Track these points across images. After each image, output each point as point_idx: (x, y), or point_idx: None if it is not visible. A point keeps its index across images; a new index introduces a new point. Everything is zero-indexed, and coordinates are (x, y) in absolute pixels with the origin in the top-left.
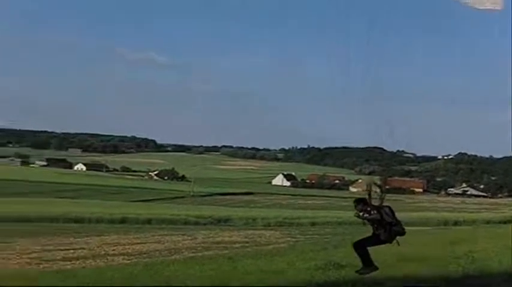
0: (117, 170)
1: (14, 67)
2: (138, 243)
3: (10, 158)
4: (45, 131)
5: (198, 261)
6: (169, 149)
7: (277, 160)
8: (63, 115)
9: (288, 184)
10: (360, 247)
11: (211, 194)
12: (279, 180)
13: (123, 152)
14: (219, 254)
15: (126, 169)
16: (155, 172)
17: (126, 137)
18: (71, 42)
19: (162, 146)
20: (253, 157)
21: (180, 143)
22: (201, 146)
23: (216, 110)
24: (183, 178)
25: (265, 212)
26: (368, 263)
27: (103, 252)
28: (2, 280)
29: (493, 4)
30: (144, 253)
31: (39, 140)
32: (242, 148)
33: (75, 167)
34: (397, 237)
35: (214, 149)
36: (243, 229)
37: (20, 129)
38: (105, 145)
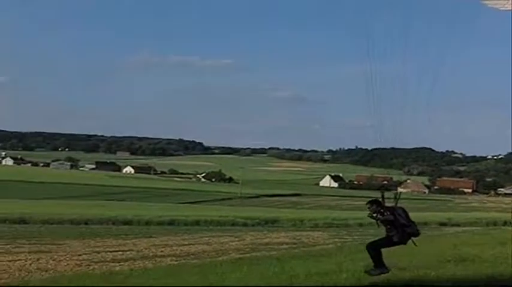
0: (164, 173)
1: (64, 72)
2: (186, 244)
3: (60, 162)
4: (95, 135)
5: (246, 262)
6: (216, 151)
7: (325, 161)
8: (113, 119)
9: (335, 185)
10: (373, 248)
11: (258, 196)
12: (327, 181)
13: (171, 155)
14: (266, 255)
15: (173, 172)
16: (203, 174)
17: (173, 139)
18: (125, 46)
19: (209, 148)
20: (300, 159)
21: (227, 145)
22: (248, 148)
23: (264, 113)
24: (230, 179)
25: (312, 213)
26: (380, 264)
27: (151, 253)
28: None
29: None
30: (192, 254)
31: (90, 143)
32: (289, 149)
33: (124, 170)
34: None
35: (262, 151)
36: (291, 230)
37: (71, 133)
38: (153, 147)
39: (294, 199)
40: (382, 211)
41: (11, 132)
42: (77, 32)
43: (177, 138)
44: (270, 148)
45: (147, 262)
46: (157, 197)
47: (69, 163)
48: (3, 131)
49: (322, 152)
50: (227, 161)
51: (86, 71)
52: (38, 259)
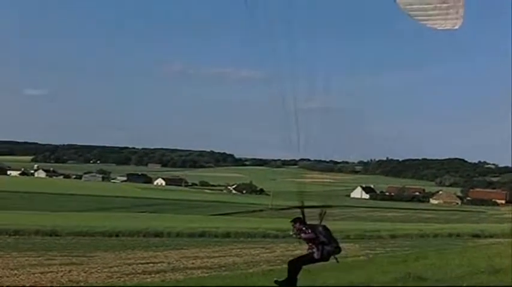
0: (195, 185)
1: (96, 85)
2: (216, 256)
3: (91, 174)
4: (127, 147)
5: (277, 274)
6: (247, 163)
7: (356, 172)
8: (144, 131)
9: (366, 196)
10: (294, 263)
11: (289, 207)
12: (358, 192)
13: (202, 167)
14: None
15: (204, 183)
16: (233, 186)
17: (204, 151)
18: (155, 60)
19: (240, 160)
20: (331, 170)
21: (258, 157)
22: (279, 159)
23: (295, 124)
24: (261, 191)
25: (343, 224)
26: (291, 281)
27: (182, 265)
28: None
29: (453, 24)
30: (223, 266)
31: (121, 156)
32: (320, 161)
33: (155, 182)
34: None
35: (292, 162)
36: None
37: (102, 146)
38: (184, 159)
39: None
40: (304, 229)
41: (44, 145)
42: (109, 45)
43: (208, 150)
44: (300, 159)
45: (178, 274)
46: (188, 209)
47: (100, 175)
48: (36, 143)
49: (353, 163)
50: (258, 173)
51: (119, 83)
52: (69, 271)
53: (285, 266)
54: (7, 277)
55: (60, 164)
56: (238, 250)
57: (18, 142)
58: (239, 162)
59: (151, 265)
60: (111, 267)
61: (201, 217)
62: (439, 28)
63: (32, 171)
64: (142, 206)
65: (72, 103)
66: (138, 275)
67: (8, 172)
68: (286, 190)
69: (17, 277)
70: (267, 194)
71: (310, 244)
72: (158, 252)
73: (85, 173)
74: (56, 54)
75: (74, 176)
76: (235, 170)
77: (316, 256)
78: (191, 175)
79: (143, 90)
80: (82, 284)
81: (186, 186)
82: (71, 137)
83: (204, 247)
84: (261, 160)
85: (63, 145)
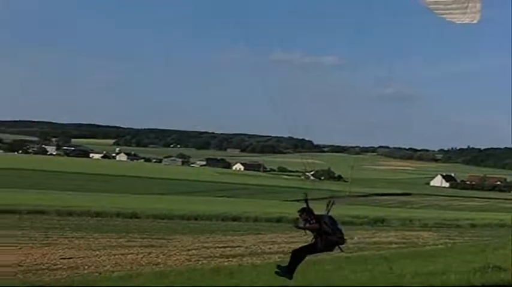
0: (273, 170)
1: (176, 71)
2: (294, 242)
3: (171, 158)
4: (206, 132)
5: (353, 261)
6: (325, 149)
7: (436, 160)
8: (223, 117)
9: (446, 185)
10: (297, 253)
11: (367, 195)
12: (438, 181)
13: (280, 153)
14: (374, 254)
15: (282, 169)
16: (312, 172)
17: (283, 137)
18: (232, 47)
19: (318, 146)
20: (410, 158)
21: (336, 143)
22: (358, 146)
23: (372, 111)
24: (339, 178)
25: (422, 213)
26: (290, 269)
27: (259, 250)
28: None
29: (471, 18)
30: None
31: (201, 140)
32: (399, 148)
33: (234, 167)
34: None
35: (371, 149)
36: (400, 230)
37: (182, 131)
38: (262, 145)
39: (403, 198)
40: (309, 219)
41: (125, 129)
42: (186, 32)
43: (287, 136)
44: (379, 147)
45: (255, 259)
46: (266, 194)
47: (180, 159)
48: (118, 127)
49: (434, 151)
50: (336, 159)
51: (198, 69)
52: (149, 253)
53: (361, 252)
54: (89, 257)
55: (141, 148)
56: None
57: (100, 126)
58: (317, 148)
59: (228, 249)
60: (189, 250)
61: (278, 202)
62: (457, 22)
63: (114, 154)
64: (220, 191)
65: (150, 89)
66: (215, 258)
67: (91, 155)
68: (364, 177)
69: (99, 258)
70: (345, 181)
71: (314, 234)
72: (236, 236)
73: (165, 157)
74: (133, 40)
75: (154, 160)
76: (313, 156)
77: (319, 245)
78: (269, 160)
79: (220, 76)
80: (161, 266)
81: (264, 171)
82: (152, 121)
83: (281, 232)
84: (339, 146)
85: (144, 129)
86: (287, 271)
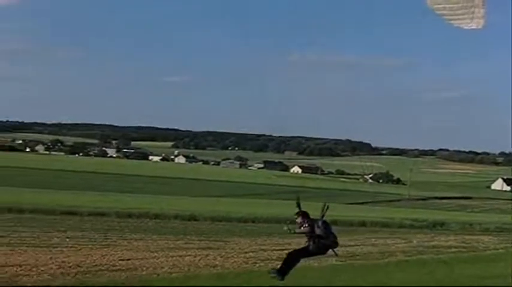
0: (331, 173)
1: (234, 73)
2: (352, 245)
3: (229, 161)
4: (264, 135)
5: (412, 264)
6: (384, 152)
7: (497, 164)
8: (281, 119)
9: (508, 188)
10: (291, 255)
11: (427, 198)
12: (499, 184)
13: (338, 155)
14: (433, 258)
15: (340, 172)
16: (370, 175)
17: (341, 140)
18: (288, 49)
19: (376, 149)
20: (471, 161)
21: (395, 146)
22: (417, 149)
23: (432, 113)
24: (398, 181)
25: (483, 217)
26: (283, 271)
27: None
28: None
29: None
30: (357, 255)
31: (258, 143)
32: (459, 151)
33: (291, 170)
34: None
35: (430, 152)
36: (459, 234)
37: (240, 133)
38: (320, 147)
39: (463, 201)
40: (303, 223)
41: (184, 131)
42: (240, 35)
43: (345, 138)
44: (439, 150)
45: (312, 261)
46: (324, 198)
47: (238, 162)
48: (176, 129)
49: (494, 154)
50: (395, 162)
51: (253, 71)
52: (206, 255)
53: (421, 256)
54: (147, 259)
55: (200, 151)
56: (373, 240)
57: (159, 128)
58: (376, 151)
59: (286, 251)
60: (246, 253)
61: (336, 205)
62: (465, 27)
63: (172, 157)
64: (278, 193)
65: (208, 91)
66: (272, 261)
67: (150, 157)
68: (423, 180)
69: (157, 260)
70: (404, 184)
71: (308, 238)
72: (293, 239)
73: (223, 160)
74: (196, 42)
75: (213, 163)
76: (371, 159)
77: (312, 249)
78: (327, 163)
79: (276, 78)
80: (219, 268)
81: (322, 174)
82: (210, 124)
83: (339, 235)
84: (397, 149)
85: (202, 131)
86: (280, 273)
